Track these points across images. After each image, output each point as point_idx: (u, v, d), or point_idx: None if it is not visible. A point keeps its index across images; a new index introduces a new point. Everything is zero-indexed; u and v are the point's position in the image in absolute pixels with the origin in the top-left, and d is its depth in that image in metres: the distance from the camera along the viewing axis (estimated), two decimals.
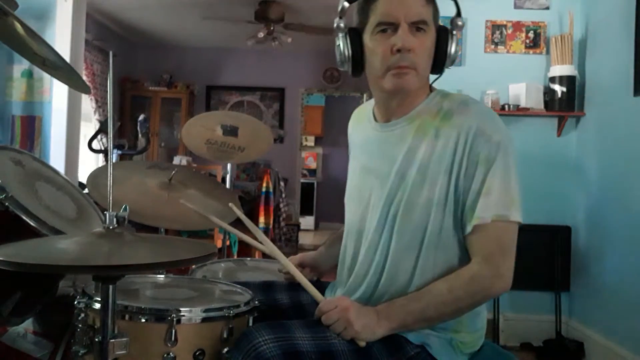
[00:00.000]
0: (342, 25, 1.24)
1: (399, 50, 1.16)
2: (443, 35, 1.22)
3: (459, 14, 1.25)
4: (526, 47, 3.16)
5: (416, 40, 1.17)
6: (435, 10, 1.21)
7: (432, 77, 1.28)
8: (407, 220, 1.18)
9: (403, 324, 1.14)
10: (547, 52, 3.13)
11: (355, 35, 1.23)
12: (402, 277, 1.19)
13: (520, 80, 3.09)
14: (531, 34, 3.15)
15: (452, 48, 1.22)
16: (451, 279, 1.14)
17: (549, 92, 3.07)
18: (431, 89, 1.28)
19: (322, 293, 1.30)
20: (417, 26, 1.17)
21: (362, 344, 1.11)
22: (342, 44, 1.24)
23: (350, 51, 1.23)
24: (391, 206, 1.20)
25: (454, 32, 1.23)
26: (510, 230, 1.15)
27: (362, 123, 1.38)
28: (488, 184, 1.13)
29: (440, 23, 1.24)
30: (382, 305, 1.16)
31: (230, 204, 1.40)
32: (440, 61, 1.23)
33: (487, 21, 3.15)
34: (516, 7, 3.17)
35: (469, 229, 1.15)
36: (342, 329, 1.11)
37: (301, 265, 1.43)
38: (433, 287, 1.15)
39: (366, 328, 1.12)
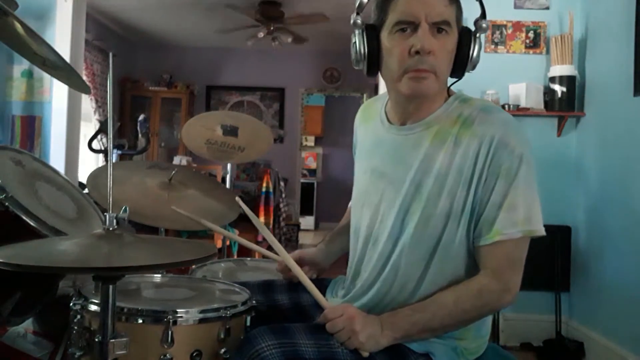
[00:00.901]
0: (359, 21, 1.18)
1: (417, 52, 1.09)
2: (466, 38, 1.16)
3: (483, 15, 1.19)
4: (526, 47, 3.16)
5: (437, 42, 1.11)
6: (459, 11, 1.15)
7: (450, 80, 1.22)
8: (422, 232, 1.15)
9: (407, 334, 1.12)
10: (547, 52, 3.13)
11: (372, 32, 1.17)
12: (409, 286, 1.17)
13: (520, 80, 3.08)
14: (531, 34, 3.15)
15: (475, 51, 1.16)
16: (459, 290, 1.12)
17: (549, 92, 3.07)
18: (449, 92, 1.22)
19: (323, 292, 1.29)
20: (438, 27, 1.11)
21: (365, 354, 1.09)
22: (358, 41, 1.18)
23: (366, 49, 1.17)
24: (405, 215, 1.16)
25: (478, 35, 1.17)
26: (524, 245, 1.13)
27: (371, 121, 1.32)
28: (511, 198, 1.09)
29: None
30: (386, 315, 1.13)
31: (237, 198, 1.37)
32: (461, 65, 1.17)
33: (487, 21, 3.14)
34: (516, 7, 3.16)
35: (485, 241, 1.12)
36: (347, 339, 1.09)
37: (300, 262, 1.39)
38: (439, 297, 1.12)
39: (371, 339, 1.09)
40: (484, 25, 1.18)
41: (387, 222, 1.19)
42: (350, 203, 1.40)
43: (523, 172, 1.10)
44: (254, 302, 1.26)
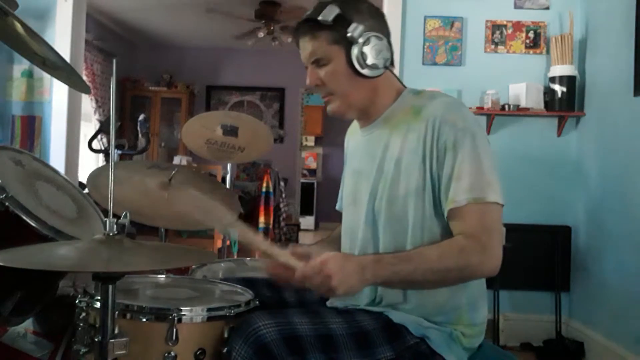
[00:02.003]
0: None
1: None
2: (348, 48, 1.25)
3: (348, 22, 1.24)
4: (526, 47, 3.16)
5: (322, 72, 1.29)
6: (335, 32, 1.25)
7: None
8: (391, 213, 1.25)
9: (387, 281, 1.17)
10: (547, 52, 3.13)
11: None
12: None
13: (520, 80, 3.09)
14: (531, 34, 3.15)
15: (355, 53, 1.24)
16: (443, 246, 1.17)
17: (549, 92, 3.07)
18: (404, 85, 1.36)
19: None
20: (317, 63, 1.29)
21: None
22: None
23: None
24: (375, 201, 1.28)
25: (359, 40, 1.24)
26: (491, 210, 1.18)
27: (354, 134, 1.47)
28: (458, 168, 1.18)
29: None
30: (370, 260, 1.15)
31: (191, 191, 1.35)
32: (356, 69, 1.25)
33: (487, 21, 3.15)
34: (516, 7, 3.16)
35: (446, 213, 1.19)
36: (324, 291, 1.11)
37: (294, 254, 1.40)
38: (425, 251, 1.17)
39: (348, 291, 1.11)
40: (355, 33, 1.24)
41: (362, 210, 1.31)
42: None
43: (468, 143, 1.19)
44: (257, 302, 1.27)
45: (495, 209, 1.18)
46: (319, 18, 1.24)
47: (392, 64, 1.30)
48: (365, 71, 1.25)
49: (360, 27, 1.24)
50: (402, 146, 1.25)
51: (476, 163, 1.18)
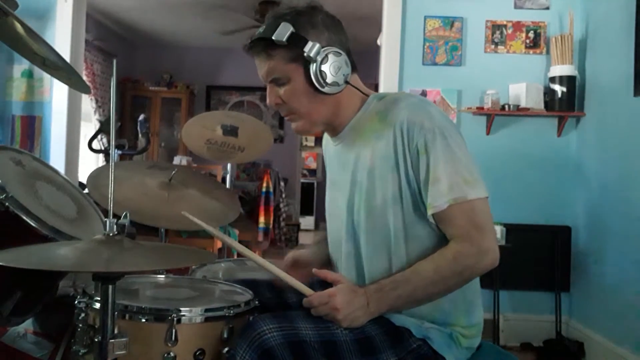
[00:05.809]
0: None
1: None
2: (306, 65, 1.22)
3: (303, 41, 1.21)
4: (526, 47, 3.16)
5: (281, 91, 1.26)
6: (291, 51, 1.21)
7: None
8: (370, 224, 1.23)
9: (393, 307, 1.18)
10: (547, 52, 3.13)
11: None
12: (380, 277, 1.22)
13: (520, 80, 3.09)
14: (531, 34, 3.15)
15: (313, 71, 1.21)
16: (436, 258, 1.17)
17: (549, 92, 3.07)
18: (367, 93, 1.32)
19: None
20: (275, 82, 1.26)
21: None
22: None
23: None
24: (353, 213, 1.26)
25: (316, 59, 1.20)
26: (476, 207, 1.16)
27: (329, 143, 1.44)
28: (433, 171, 1.16)
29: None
30: (372, 290, 1.18)
31: (183, 212, 1.30)
32: (316, 87, 1.22)
33: (487, 21, 3.15)
34: (516, 7, 3.16)
35: (431, 219, 1.18)
36: (329, 319, 1.16)
37: (296, 265, 1.42)
38: (419, 267, 1.17)
39: (353, 322, 1.15)
40: (311, 54, 1.20)
41: (343, 223, 1.29)
42: None
43: (439, 143, 1.17)
44: (256, 302, 1.27)
45: (479, 203, 1.16)
46: (273, 38, 1.19)
47: (354, 69, 1.26)
48: (326, 89, 1.22)
49: (317, 45, 1.20)
50: (372, 155, 1.23)
51: (451, 162, 1.16)
